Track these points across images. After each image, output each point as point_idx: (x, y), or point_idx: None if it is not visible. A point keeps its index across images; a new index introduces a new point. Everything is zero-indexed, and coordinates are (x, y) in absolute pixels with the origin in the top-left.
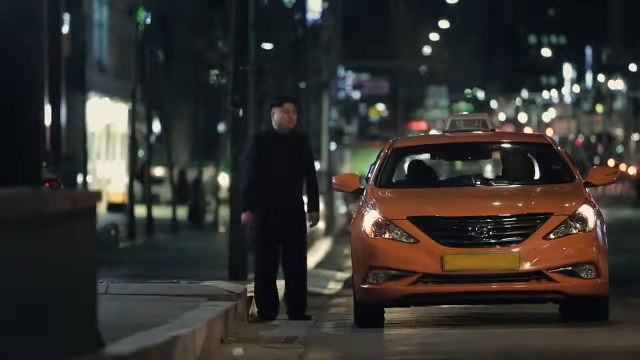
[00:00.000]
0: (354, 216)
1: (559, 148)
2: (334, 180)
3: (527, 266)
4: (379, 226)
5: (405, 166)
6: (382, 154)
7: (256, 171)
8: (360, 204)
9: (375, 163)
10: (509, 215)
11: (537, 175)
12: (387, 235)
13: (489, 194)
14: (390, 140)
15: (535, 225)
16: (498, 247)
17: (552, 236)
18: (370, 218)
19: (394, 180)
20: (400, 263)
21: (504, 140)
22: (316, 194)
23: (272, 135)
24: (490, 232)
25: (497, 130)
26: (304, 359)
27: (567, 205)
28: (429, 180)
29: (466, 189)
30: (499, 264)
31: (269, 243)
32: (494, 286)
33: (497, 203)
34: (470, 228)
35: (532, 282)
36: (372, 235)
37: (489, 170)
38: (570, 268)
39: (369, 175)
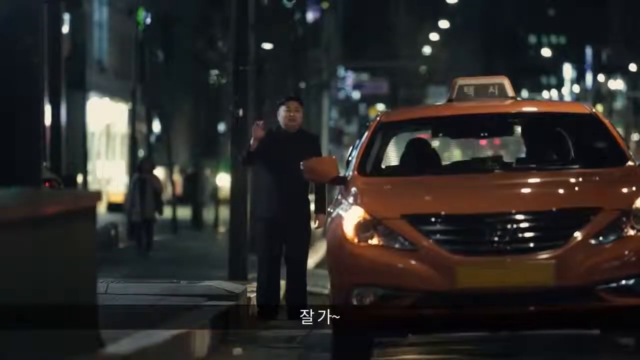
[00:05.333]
0: (331, 214)
1: (604, 120)
2: (302, 167)
3: (566, 281)
4: (364, 228)
5: (391, 147)
6: (366, 131)
7: (261, 169)
8: (339, 198)
9: (357, 144)
10: (542, 211)
11: (575, 157)
12: (375, 241)
13: (513, 184)
14: (378, 113)
15: (578, 224)
16: (526, 255)
17: (601, 239)
18: (353, 217)
19: (382, 167)
20: (393, 278)
21: (530, 110)
22: (323, 195)
23: (279, 134)
24: (516, 235)
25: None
26: (304, 359)
27: (620, 196)
28: (431, 166)
29: (482, 176)
30: (527, 279)
31: (273, 243)
32: (521, 309)
33: (525, 195)
34: (488, 229)
35: (573, 304)
36: (356, 240)
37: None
38: (629, 282)
39: (350, 159)
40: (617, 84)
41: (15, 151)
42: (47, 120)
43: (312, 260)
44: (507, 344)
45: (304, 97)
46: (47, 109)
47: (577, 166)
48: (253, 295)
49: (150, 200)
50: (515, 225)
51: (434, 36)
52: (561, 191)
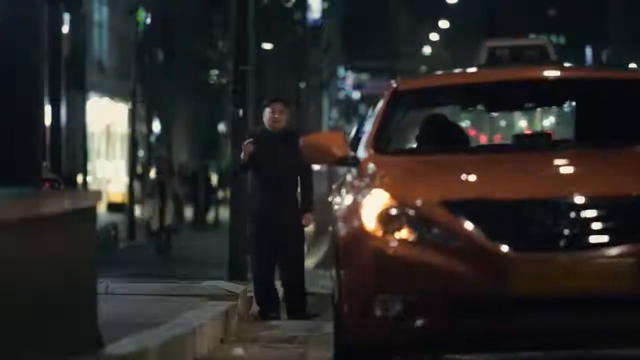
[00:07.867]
0: (340, 203)
1: None
2: (301, 143)
3: None
4: (390, 218)
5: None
6: (380, 102)
7: (252, 171)
8: (351, 180)
9: (369, 114)
10: (617, 197)
11: None
12: (404, 234)
13: (578, 164)
14: (392, 81)
15: None
16: (597, 252)
17: None
18: (375, 204)
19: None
20: (430, 282)
21: (582, 77)
22: (309, 193)
23: (264, 135)
24: (586, 227)
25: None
26: (304, 359)
27: None
28: (465, 145)
29: (537, 155)
30: (599, 282)
31: (265, 243)
32: (596, 322)
33: (594, 178)
34: (551, 220)
35: None
36: (379, 233)
37: None
38: None
39: (360, 136)
40: None
41: (15, 151)
42: (47, 120)
43: (313, 260)
44: None
45: (304, 97)
46: (47, 109)
47: None
48: (253, 295)
49: (171, 205)
50: (583, 215)
51: (434, 36)
52: None
